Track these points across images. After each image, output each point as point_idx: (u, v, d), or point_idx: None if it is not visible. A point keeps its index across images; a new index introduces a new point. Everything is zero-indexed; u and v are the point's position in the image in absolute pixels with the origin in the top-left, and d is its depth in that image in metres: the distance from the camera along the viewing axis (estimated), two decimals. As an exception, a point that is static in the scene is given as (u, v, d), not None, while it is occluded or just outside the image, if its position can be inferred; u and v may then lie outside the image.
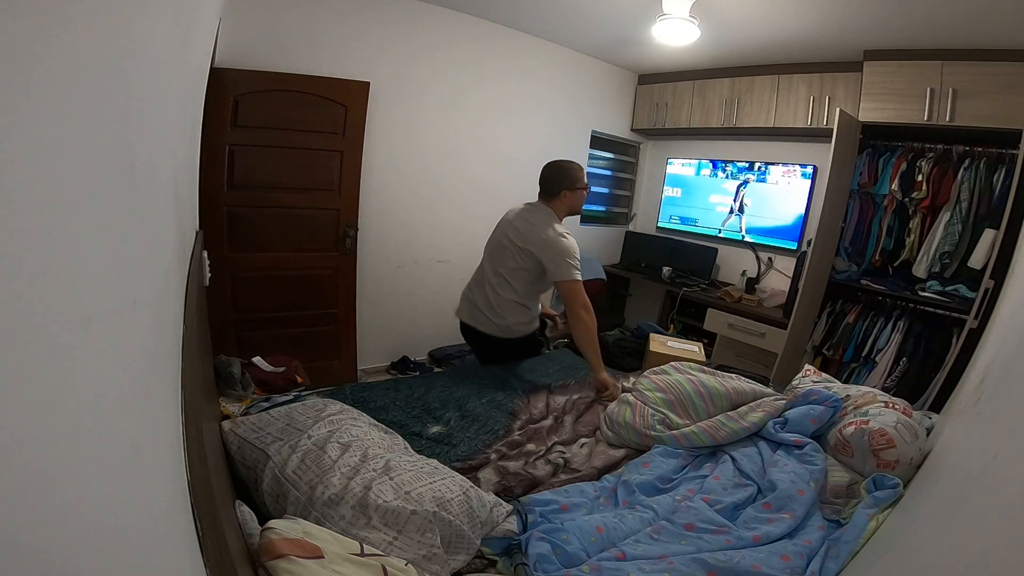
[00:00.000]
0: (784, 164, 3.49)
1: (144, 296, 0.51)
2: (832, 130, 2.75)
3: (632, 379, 1.82)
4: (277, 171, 2.69)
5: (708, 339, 3.39)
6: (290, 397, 1.60)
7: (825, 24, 2.63)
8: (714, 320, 3.40)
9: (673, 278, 3.77)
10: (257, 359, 1.94)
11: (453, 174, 3.42)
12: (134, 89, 0.47)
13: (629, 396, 1.57)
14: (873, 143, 3.02)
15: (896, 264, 3.01)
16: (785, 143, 3.51)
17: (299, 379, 1.89)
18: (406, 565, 0.87)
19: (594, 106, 4.01)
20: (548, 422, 1.62)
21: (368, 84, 2.83)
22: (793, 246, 3.46)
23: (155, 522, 0.43)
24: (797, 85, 3.24)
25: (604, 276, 4.02)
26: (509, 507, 1.17)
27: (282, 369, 1.92)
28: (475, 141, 3.47)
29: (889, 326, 2.91)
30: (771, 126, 3.36)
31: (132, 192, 0.47)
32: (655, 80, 4.09)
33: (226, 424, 1.21)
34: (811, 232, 2.98)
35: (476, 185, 3.53)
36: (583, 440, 1.55)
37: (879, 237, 3.03)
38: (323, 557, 0.79)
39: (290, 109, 2.64)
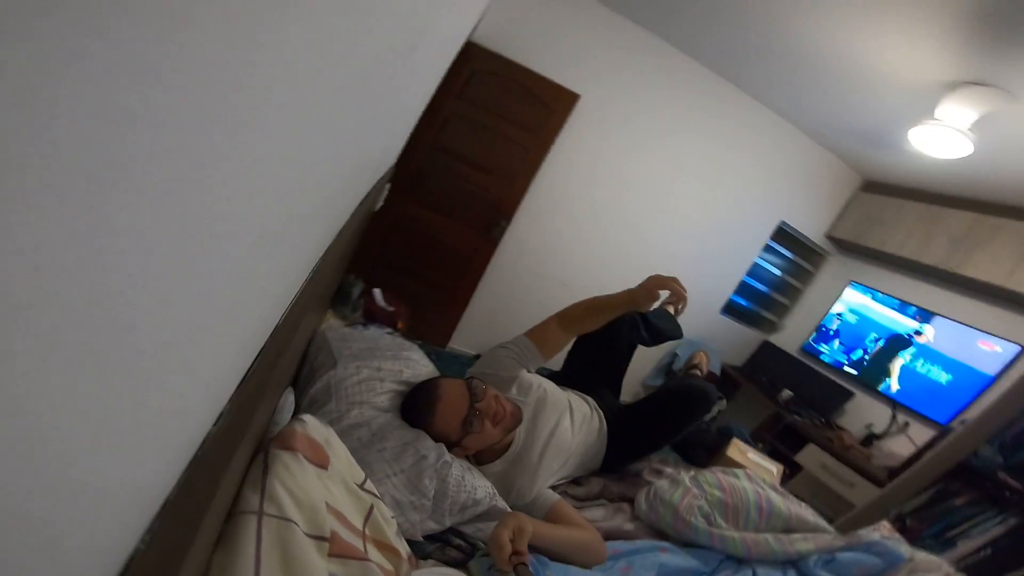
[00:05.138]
0: (992, 336, 2.81)
1: (301, 211, 0.59)
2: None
3: (692, 471, 1.64)
4: (472, 147, 2.92)
5: (792, 469, 3.05)
6: (387, 331, 1.69)
7: None
8: (810, 455, 3.04)
9: (788, 403, 3.36)
10: (377, 291, 2.09)
11: (617, 211, 3.37)
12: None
13: (686, 479, 1.42)
14: None
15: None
16: (1008, 312, 2.82)
17: (399, 324, 2.01)
18: (391, 517, 0.85)
19: (794, 195, 3.64)
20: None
21: (578, 97, 2.94)
22: (940, 420, 2.89)
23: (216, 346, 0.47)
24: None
25: (716, 370, 3.67)
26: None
27: (391, 309, 2.05)
28: (652, 187, 3.38)
29: (997, 519, 2.29)
30: (1002, 286, 2.66)
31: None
32: (881, 190, 3.55)
33: (324, 326, 1.33)
34: (974, 411, 2.43)
35: (633, 229, 3.45)
36: (603, 501, 1.44)
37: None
38: (326, 469, 0.77)
39: (506, 95, 2.85)
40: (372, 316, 1.93)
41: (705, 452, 2.05)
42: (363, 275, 2.32)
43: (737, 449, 1.99)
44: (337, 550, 0.64)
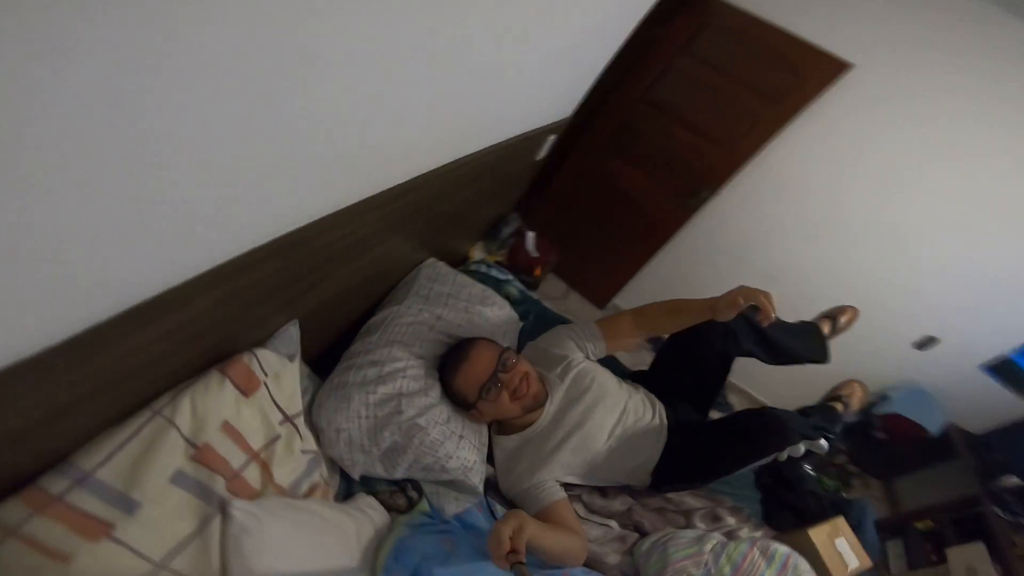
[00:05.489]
0: None
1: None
2: None
3: (752, 534, 1.48)
4: (688, 106, 2.70)
5: (940, 558, 2.46)
6: (506, 279, 1.83)
7: None
8: (967, 553, 2.38)
9: (1002, 492, 2.58)
10: (531, 235, 2.18)
11: (871, 209, 2.68)
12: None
13: (710, 543, 1.26)
14: None
15: None
16: None
17: (537, 272, 2.14)
18: (303, 452, 0.95)
19: None
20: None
21: (847, 67, 2.36)
22: None
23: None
24: None
25: (932, 430, 2.85)
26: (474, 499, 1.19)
27: (536, 255, 2.17)
28: (933, 190, 2.56)
29: None
30: None
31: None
32: None
33: (429, 260, 1.42)
34: None
35: (892, 235, 2.69)
36: (612, 523, 1.33)
37: None
38: (247, 397, 0.84)
39: (743, 55, 2.49)
40: (514, 256, 2.10)
41: (796, 519, 1.76)
42: (536, 218, 2.44)
43: (828, 529, 1.65)
44: (200, 457, 0.76)
